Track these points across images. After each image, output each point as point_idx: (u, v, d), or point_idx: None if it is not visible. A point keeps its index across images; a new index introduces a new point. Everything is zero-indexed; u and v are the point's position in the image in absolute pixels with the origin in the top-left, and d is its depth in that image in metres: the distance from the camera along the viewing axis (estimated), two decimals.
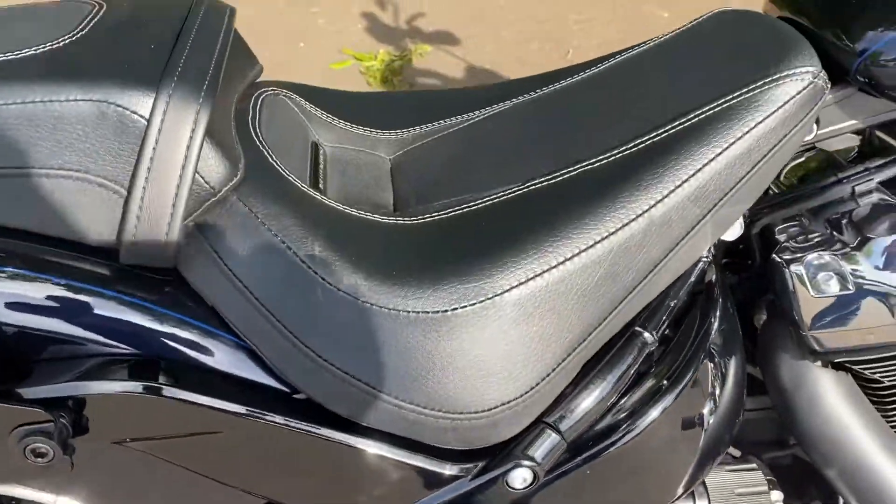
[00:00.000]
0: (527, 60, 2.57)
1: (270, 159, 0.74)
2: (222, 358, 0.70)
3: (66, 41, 0.67)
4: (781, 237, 0.86)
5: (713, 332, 0.81)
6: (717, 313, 0.82)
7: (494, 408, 0.68)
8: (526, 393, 0.69)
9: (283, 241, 0.68)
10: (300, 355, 0.68)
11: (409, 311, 0.66)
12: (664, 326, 0.77)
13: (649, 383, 0.77)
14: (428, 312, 0.66)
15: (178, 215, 0.64)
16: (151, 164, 0.63)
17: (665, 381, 0.77)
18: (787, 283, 0.82)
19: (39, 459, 0.66)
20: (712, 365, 0.81)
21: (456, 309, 0.66)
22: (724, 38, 0.84)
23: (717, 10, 0.90)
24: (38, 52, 0.66)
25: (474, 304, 0.67)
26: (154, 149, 0.63)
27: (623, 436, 0.76)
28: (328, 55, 2.62)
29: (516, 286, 0.67)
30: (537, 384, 0.69)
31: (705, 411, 0.82)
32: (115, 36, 0.69)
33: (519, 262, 0.68)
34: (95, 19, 0.71)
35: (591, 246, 0.69)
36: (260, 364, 0.70)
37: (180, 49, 0.68)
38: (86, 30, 0.69)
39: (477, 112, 0.91)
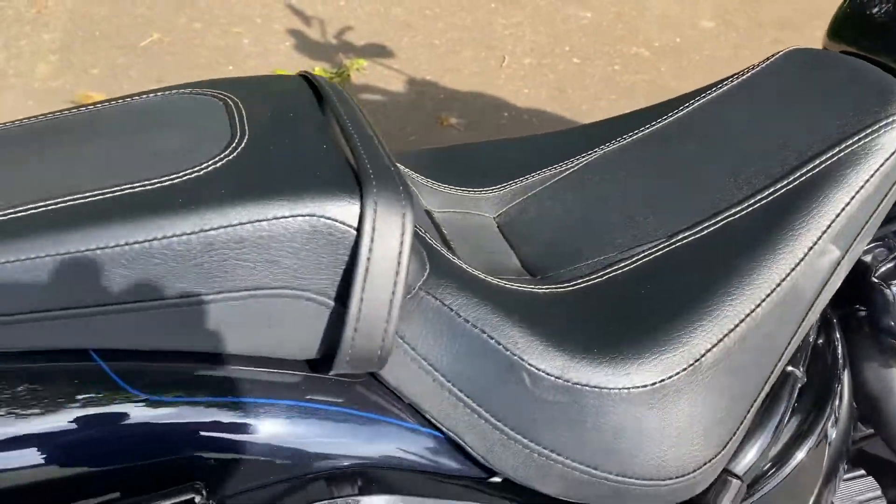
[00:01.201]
0: (464, 69, 2.59)
1: (429, 239, 0.73)
2: (426, 453, 0.69)
3: (232, 153, 0.64)
4: (867, 258, 0.92)
5: (840, 357, 0.86)
6: (839, 337, 0.87)
7: (697, 469, 0.70)
8: (722, 449, 0.71)
9: (482, 331, 0.67)
10: (510, 442, 0.68)
11: (619, 389, 0.67)
12: (807, 361, 0.82)
13: (799, 416, 0.82)
14: (638, 388, 0.67)
15: (394, 321, 0.62)
16: (367, 273, 0.61)
17: (811, 412, 0.82)
18: (888, 301, 0.89)
19: None
20: (836, 384, 0.87)
21: (663, 380, 0.68)
22: (811, 80, 0.89)
23: (790, 48, 0.95)
24: (208, 169, 0.62)
25: (679, 373, 0.68)
26: (368, 258, 0.61)
27: (783, 468, 0.80)
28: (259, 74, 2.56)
29: (711, 348, 0.69)
30: (730, 438, 0.72)
31: (829, 427, 0.87)
32: (276, 140, 0.66)
33: (707, 323, 0.70)
34: (246, 122, 0.67)
35: (764, 300, 0.72)
36: (462, 453, 0.70)
37: (348, 146, 0.66)
38: (245, 138, 0.65)
39: (569, 162, 0.92)
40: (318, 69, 2.58)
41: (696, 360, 0.69)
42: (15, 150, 0.68)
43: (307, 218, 0.60)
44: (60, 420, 0.59)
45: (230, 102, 0.71)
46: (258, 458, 0.64)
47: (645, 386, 0.68)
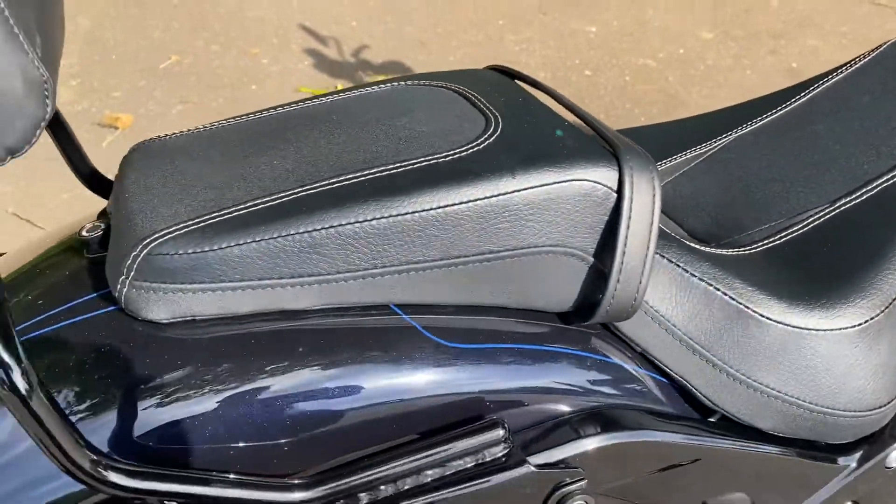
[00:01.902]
0: None
1: None
2: (656, 396, 0.76)
3: (496, 133, 0.69)
4: None
5: None
6: None
7: (889, 402, 0.79)
8: None
9: (709, 283, 0.75)
10: (735, 383, 0.75)
11: (831, 330, 0.75)
12: None
13: None
14: (846, 328, 0.76)
15: (647, 274, 0.69)
16: (627, 231, 0.68)
17: None
18: None
19: None
20: None
21: (866, 321, 0.76)
22: None
23: (892, 40, 1.05)
24: (482, 146, 0.68)
25: (877, 315, 0.77)
26: (629, 217, 0.68)
27: None
28: (284, 95, 2.61)
29: None
30: None
31: None
32: (525, 121, 0.72)
33: (894, 270, 0.79)
34: (491, 108, 0.73)
35: None
36: (686, 396, 0.77)
37: (582, 122, 0.74)
38: (499, 120, 0.71)
39: (706, 145, 1.00)
40: (340, 85, 2.64)
41: (890, 304, 0.78)
42: (271, 141, 0.73)
43: (579, 182, 0.67)
44: (371, 367, 0.65)
45: (464, 92, 0.77)
46: (534, 399, 0.70)
47: (852, 327, 0.76)
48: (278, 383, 0.63)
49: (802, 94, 1.03)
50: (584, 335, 0.74)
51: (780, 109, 1.02)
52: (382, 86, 0.81)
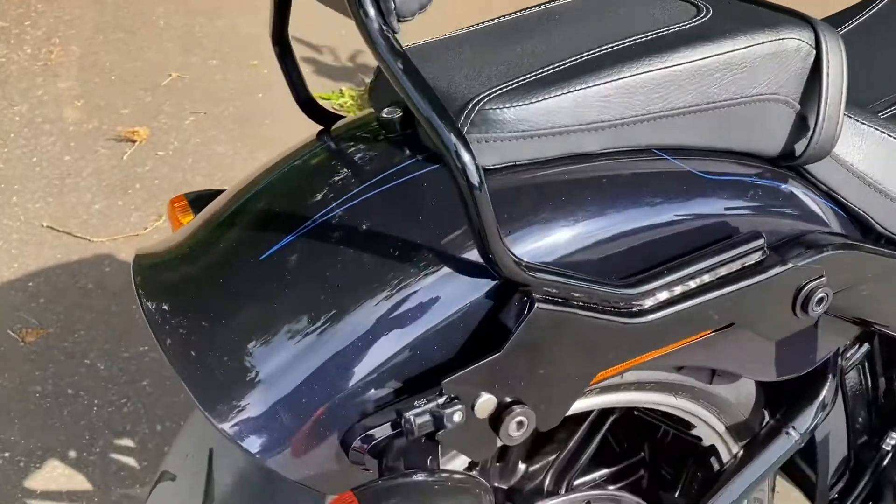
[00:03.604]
0: None
1: None
2: (842, 228, 0.90)
3: (710, 12, 0.83)
4: None
5: None
6: None
7: None
8: None
9: (876, 128, 0.90)
10: None
11: None
12: None
13: None
14: None
15: (842, 118, 0.84)
16: (828, 81, 0.83)
17: None
18: None
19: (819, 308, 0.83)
20: None
21: None
22: None
23: None
24: (699, 21, 0.82)
25: None
26: (828, 72, 0.82)
27: None
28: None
29: None
30: None
31: None
32: (728, 3, 0.87)
33: None
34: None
35: None
36: (862, 227, 0.92)
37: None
38: (706, 4, 0.86)
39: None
40: (345, 89, 2.76)
41: None
42: (520, 35, 0.85)
43: (788, 40, 0.81)
44: (641, 203, 0.78)
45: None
46: (765, 222, 0.83)
47: None
48: (596, 212, 0.76)
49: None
50: (786, 175, 0.89)
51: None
52: None
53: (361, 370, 0.69)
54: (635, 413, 1.11)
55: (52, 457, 1.70)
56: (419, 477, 0.67)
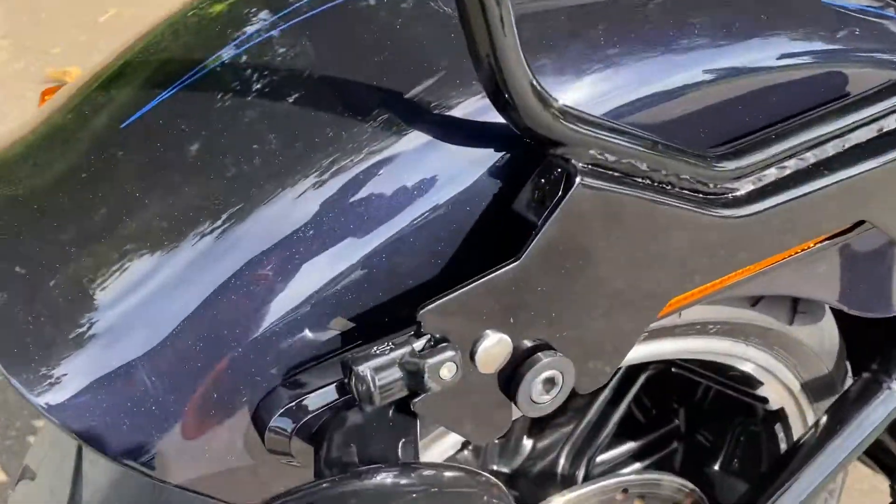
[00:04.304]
0: None
1: None
2: None
3: None
4: None
5: None
6: None
7: None
8: None
9: None
10: None
11: None
12: None
13: None
14: None
15: None
16: None
17: None
18: None
19: None
20: None
21: None
22: None
23: None
24: None
25: None
26: None
27: None
28: None
29: None
30: None
31: None
32: None
33: None
34: None
35: None
36: None
37: None
38: None
39: None
40: None
41: None
42: None
43: None
44: (733, 37, 0.51)
45: None
46: None
47: None
48: (662, 45, 0.48)
49: None
50: None
51: None
52: None
53: (281, 303, 0.40)
54: (673, 370, 0.84)
55: None
56: (384, 476, 0.39)
